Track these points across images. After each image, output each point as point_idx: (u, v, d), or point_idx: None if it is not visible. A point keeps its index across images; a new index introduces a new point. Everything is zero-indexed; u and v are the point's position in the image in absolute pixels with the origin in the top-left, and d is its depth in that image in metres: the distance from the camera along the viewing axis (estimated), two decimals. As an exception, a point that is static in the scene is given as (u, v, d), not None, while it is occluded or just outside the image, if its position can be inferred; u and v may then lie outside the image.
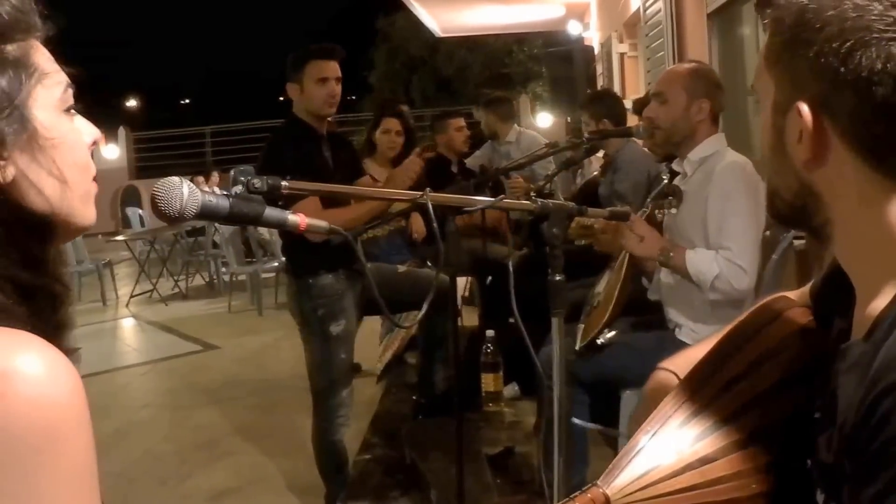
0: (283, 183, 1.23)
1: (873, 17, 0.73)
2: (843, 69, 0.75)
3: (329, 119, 3.14)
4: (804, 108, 0.79)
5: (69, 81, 0.83)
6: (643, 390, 1.19)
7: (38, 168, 0.77)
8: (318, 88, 2.99)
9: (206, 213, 1.09)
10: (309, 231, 1.19)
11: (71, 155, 0.81)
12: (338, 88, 3.04)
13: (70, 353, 0.77)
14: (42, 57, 0.80)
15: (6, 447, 0.64)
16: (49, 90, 0.80)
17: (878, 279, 0.79)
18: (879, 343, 0.74)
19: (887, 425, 0.69)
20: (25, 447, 0.65)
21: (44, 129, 0.78)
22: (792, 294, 1.09)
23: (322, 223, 1.20)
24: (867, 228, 0.79)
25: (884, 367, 0.71)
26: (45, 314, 0.78)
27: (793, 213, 0.87)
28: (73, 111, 0.84)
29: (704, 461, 0.92)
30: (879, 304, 0.77)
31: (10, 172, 0.76)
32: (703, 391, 0.98)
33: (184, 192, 1.07)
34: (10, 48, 0.76)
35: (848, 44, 0.74)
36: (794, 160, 0.82)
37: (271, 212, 1.13)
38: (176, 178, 1.08)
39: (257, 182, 1.17)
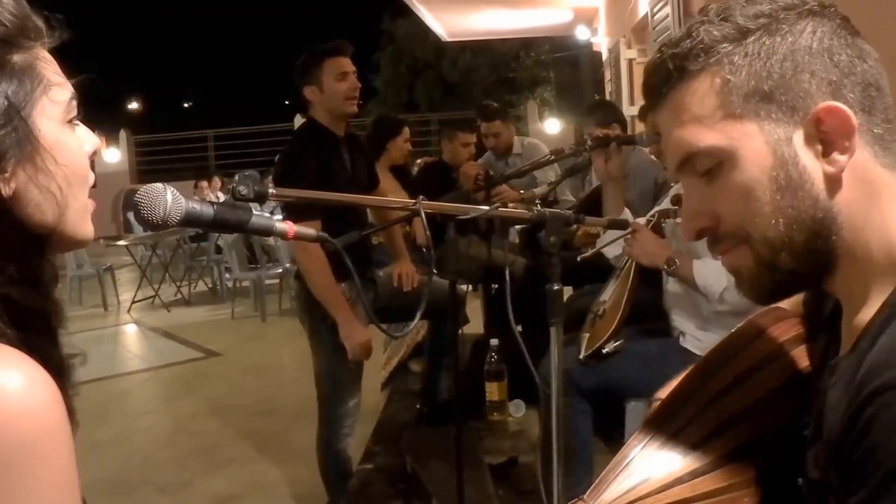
0: (271, 190, 1.20)
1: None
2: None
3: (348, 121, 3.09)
4: (836, 104, 0.77)
5: (74, 92, 0.82)
6: (644, 418, 1.15)
7: (39, 182, 0.77)
8: (340, 84, 2.94)
9: (190, 221, 1.06)
10: (297, 239, 1.16)
11: (72, 169, 0.81)
12: (358, 83, 3.01)
13: (64, 364, 0.80)
14: (48, 67, 0.80)
15: None
16: (54, 102, 0.79)
17: (865, 290, 0.79)
18: (864, 353, 0.74)
19: (870, 432, 0.69)
20: (3, 463, 0.65)
21: (47, 142, 0.77)
22: (786, 303, 1.08)
23: (310, 231, 1.17)
24: (872, 234, 0.79)
25: (867, 375, 0.71)
26: (36, 333, 0.77)
27: (804, 260, 0.81)
28: (75, 121, 0.83)
29: (694, 474, 0.92)
30: (865, 316, 0.78)
31: (12, 186, 0.75)
32: (691, 404, 0.97)
33: (167, 198, 1.04)
34: (17, 58, 0.76)
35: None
36: (815, 184, 0.79)
37: (258, 219, 1.10)
38: (159, 185, 1.05)
39: (243, 189, 1.14)
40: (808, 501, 0.85)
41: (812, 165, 0.78)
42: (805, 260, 0.80)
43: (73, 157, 0.81)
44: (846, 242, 0.79)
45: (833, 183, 0.78)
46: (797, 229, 0.79)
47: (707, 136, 0.80)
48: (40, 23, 0.80)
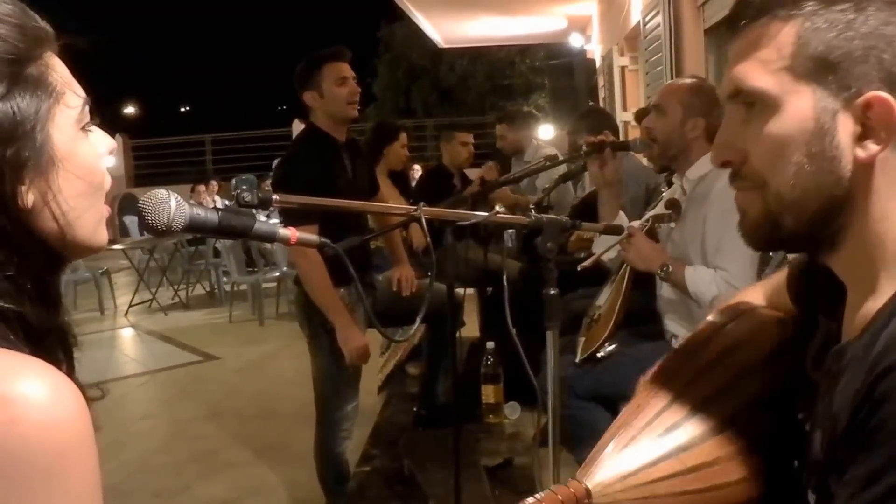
0: (274, 197, 1.22)
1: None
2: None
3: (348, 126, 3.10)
4: (886, 96, 0.78)
5: (86, 97, 0.81)
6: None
7: (56, 193, 0.76)
8: (340, 89, 2.96)
9: (194, 227, 1.08)
10: (300, 245, 1.18)
11: (88, 177, 0.80)
12: (357, 87, 3.03)
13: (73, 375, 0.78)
14: (60, 74, 0.79)
15: (15, 472, 0.64)
16: (67, 110, 0.78)
17: (873, 279, 0.81)
18: (878, 333, 0.75)
19: (885, 403, 0.71)
20: (34, 471, 0.65)
21: (62, 152, 0.77)
22: (762, 285, 1.13)
23: (312, 237, 1.19)
24: (889, 226, 0.80)
25: (882, 351, 0.73)
26: (51, 351, 0.77)
27: (807, 228, 0.84)
28: (88, 127, 0.82)
29: (681, 449, 0.94)
30: (874, 303, 0.79)
31: (30, 198, 0.75)
32: (674, 382, 1.01)
33: (171, 205, 1.05)
34: (29, 70, 0.75)
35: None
36: (843, 163, 0.80)
37: (261, 225, 1.12)
38: (163, 191, 1.07)
39: (247, 195, 1.16)
40: (810, 484, 0.86)
41: (846, 146, 0.80)
42: (808, 228, 0.83)
43: (89, 165, 0.81)
44: (859, 227, 0.81)
45: (860, 169, 0.80)
46: (811, 199, 0.82)
47: (762, 79, 0.83)
48: (48, 28, 0.79)
